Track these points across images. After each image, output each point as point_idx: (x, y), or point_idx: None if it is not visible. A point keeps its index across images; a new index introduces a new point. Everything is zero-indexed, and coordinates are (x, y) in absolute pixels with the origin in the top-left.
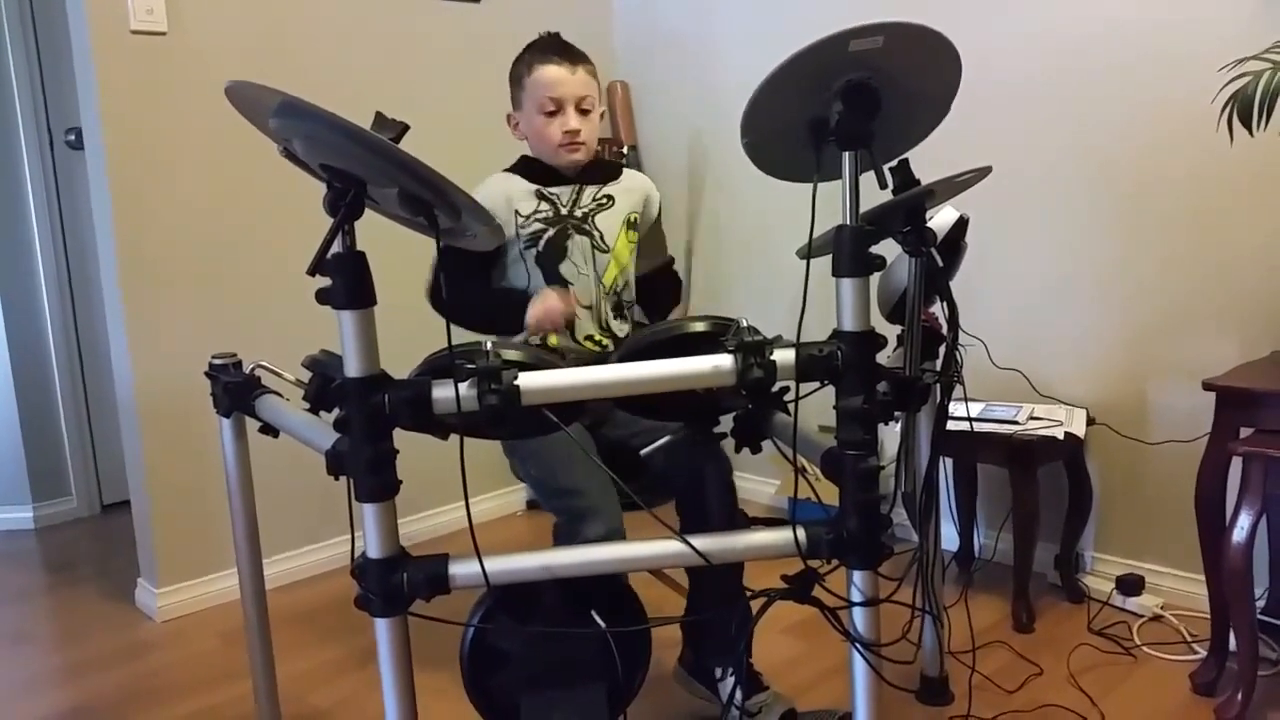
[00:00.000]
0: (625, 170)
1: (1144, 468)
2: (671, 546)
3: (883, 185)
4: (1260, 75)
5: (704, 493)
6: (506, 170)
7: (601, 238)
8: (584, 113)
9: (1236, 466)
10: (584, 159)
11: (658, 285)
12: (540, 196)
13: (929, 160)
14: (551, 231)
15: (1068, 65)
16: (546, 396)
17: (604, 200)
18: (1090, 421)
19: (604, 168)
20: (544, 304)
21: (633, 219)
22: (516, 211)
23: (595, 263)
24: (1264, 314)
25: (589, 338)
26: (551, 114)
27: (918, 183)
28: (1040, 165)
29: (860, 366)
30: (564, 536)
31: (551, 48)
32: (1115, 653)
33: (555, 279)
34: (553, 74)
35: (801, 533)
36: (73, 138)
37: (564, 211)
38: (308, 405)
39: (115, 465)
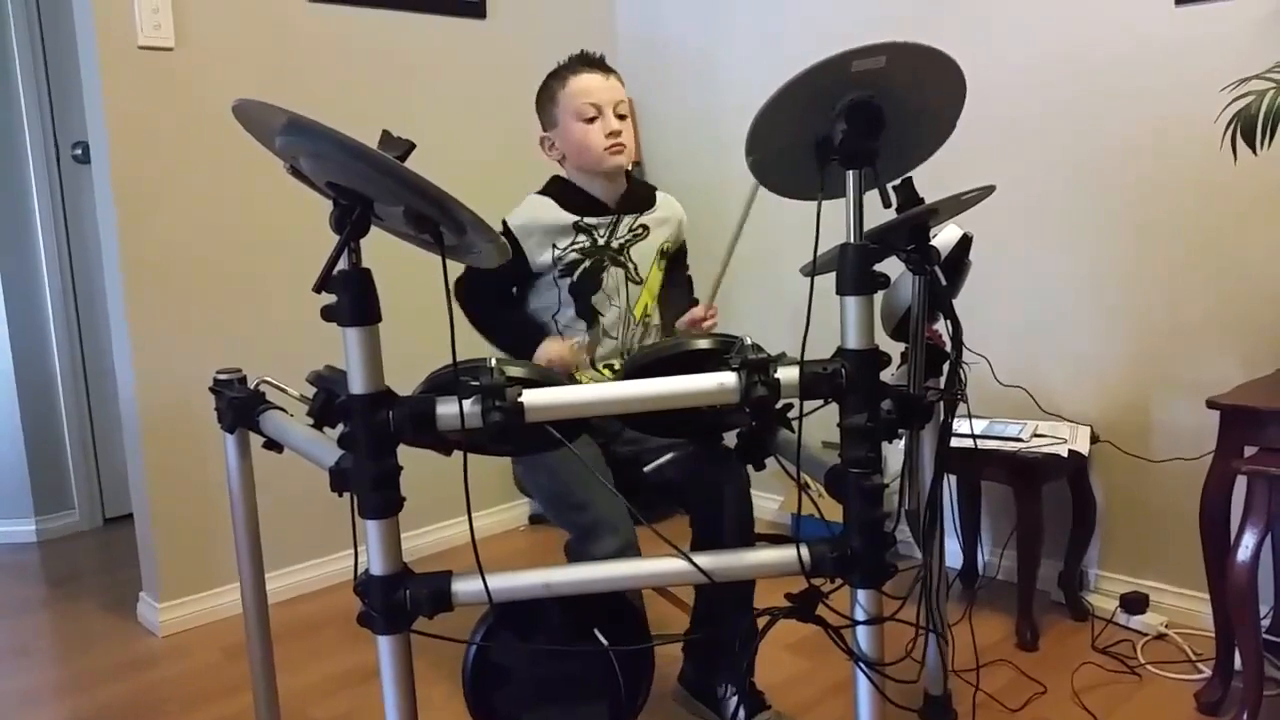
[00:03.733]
0: (660, 196)
1: (1148, 486)
2: (675, 565)
3: (886, 204)
4: (1263, 95)
5: (721, 507)
6: (542, 193)
7: (636, 269)
8: (620, 117)
9: (1241, 485)
10: (626, 163)
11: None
12: (578, 229)
13: (933, 179)
14: (588, 263)
15: (1072, 85)
16: (551, 413)
17: (639, 230)
18: (1094, 439)
19: (640, 196)
20: (548, 355)
21: (666, 248)
22: (554, 245)
23: (628, 294)
24: (1269, 332)
25: (608, 365)
26: (591, 120)
27: (921, 201)
28: (1043, 183)
29: (864, 384)
30: (575, 554)
31: (582, 59)
32: (1119, 671)
33: (586, 309)
34: (589, 80)
35: (805, 551)
36: (79, 151)
37: (601, 243)
38: (312, 421)
39: (118, 479)
